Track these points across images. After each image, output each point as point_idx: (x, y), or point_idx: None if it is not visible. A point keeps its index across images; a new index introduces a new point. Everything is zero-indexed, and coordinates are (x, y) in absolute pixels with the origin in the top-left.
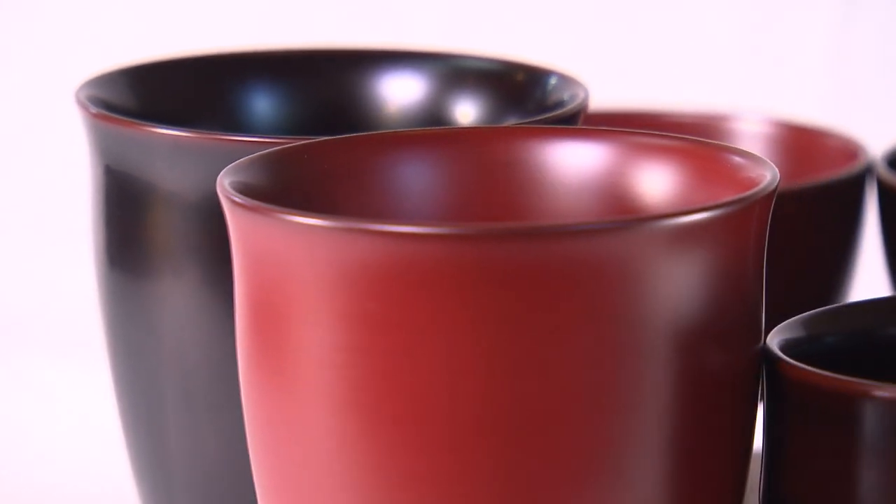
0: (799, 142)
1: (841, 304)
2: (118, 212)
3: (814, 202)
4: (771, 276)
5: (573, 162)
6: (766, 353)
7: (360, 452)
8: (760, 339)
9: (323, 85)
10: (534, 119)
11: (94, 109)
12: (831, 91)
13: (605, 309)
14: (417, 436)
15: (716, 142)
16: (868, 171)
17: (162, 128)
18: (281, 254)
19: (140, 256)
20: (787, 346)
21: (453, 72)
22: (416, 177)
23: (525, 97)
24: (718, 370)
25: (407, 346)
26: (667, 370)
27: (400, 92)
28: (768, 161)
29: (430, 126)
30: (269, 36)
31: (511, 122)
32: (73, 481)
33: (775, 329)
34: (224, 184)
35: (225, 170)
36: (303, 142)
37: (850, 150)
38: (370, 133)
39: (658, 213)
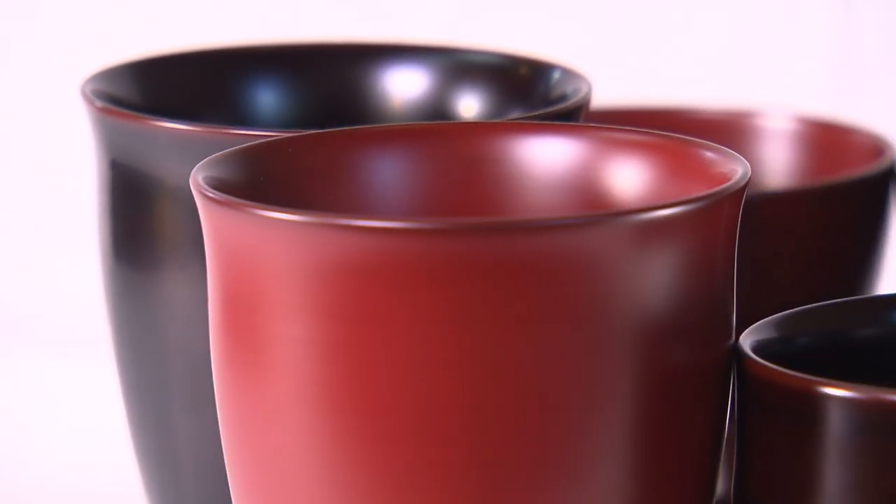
0: (825, 139)
1: (814, 304)
2: (124, 206)
3: (840, 199)
4: (797, 274)
5: (547, 157)
6: (736, 350)
7: (335, 447)
8: (731, 336)
9: (327, 79)
10: (537, 113)
11: (99, 104)
12: (838, 87)
13: (576, 303)
14: (393, 430)
15: (688, 137)
16: (894, 167)
17: (168, 122)
18: (254, 249)
19: (146, 250)
20: (760, 346)
21: (457, 66)
22: (390, 172)
23: (528, 91)
24: (687, 366)
25: (382, 341)
26: (637, 364)
27: (404, 86)
28: (740, 156)
29: (434, 120)
30: (274, 30)
31: (515, 115)
32: (79, 479)
33: (749, 329)
34: (197, 179)
35: (198, 165)
36: (277, 137)
37: (876, 146)
38: (345, 128)
39: (626, 209)
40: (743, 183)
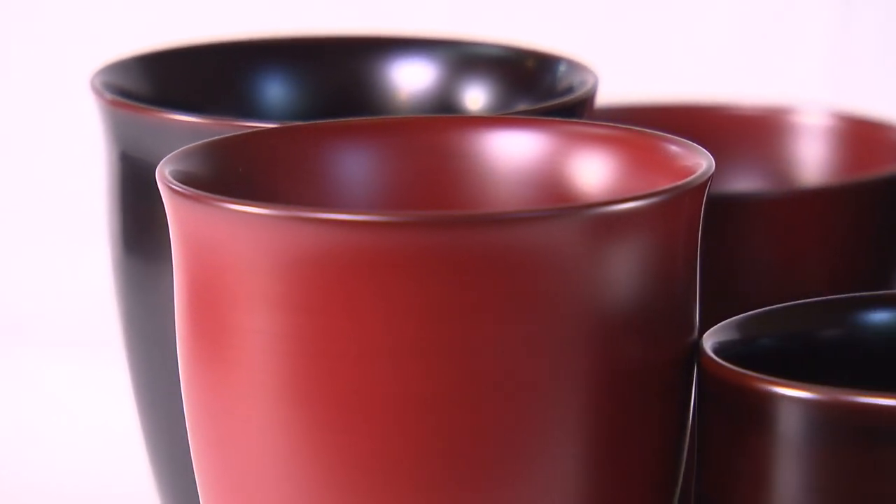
0: (860, 135)
1: (778, 305)
2: (133, 198)
3: (875, 195)
4: (831, 271)
5: (513, 151)
6: (696, 349)
7: (300, 438)
8: (692, 332)
9: (335, 71)
10: (543, 105)
11: (109, 96)
12: (838, 85)
13: (538, 296)
14: (358, 422)
15: (652, 130)
16: None
17: (177, 114)
18: (221, 242)
19: (155, 243)
20: (722, 347)
21: (463, 58)
22: (357, 166)
23: (535, 83)
24: (647, 362)
25: (346, 333)
26: (598, 358)
27: (410, 78)
28: (704, 150)
29: (442, 112)
30: (282, 23)
31: (520, 107)
32: (81, 479)
33: (712, 329)
34: (164, 172)
35: (165, 159)
36: (244, 131)
37: None
38: (310, 122)
39: (586, 202)
40: (705, 178)
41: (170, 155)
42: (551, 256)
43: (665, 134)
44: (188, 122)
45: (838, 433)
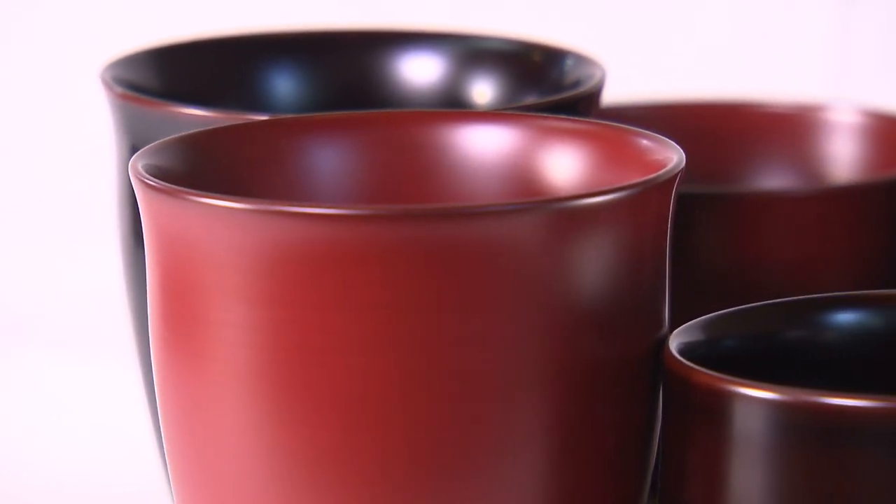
0: (891, 132)
1: (743, 306)
2: None
3: None
4: (862, 268)
5: (485, 145)
6: (662, 348)
7: (273, 431)
8: (660, 329)
9: (343, 65)
10: (550, 99)
11: (119, 90)
12: (838, 83)
13: (506, 289)
14: (330, 414)
15: (623, 125)
16: None
17: (187, 107)
18: (194, 236)
19: None
20: (689, 347)
21: (471, 52)
22: (329, 160)
23: (542, 77)
24: (613, 358)
25: (318, 325)
26: (564, 352)
27: (418, 71)
28: (675, 145)
29: (450, 107)
30: (290, 17)
31: (528, 101)
32: (82, 479)
33: (679, 328)
34: (137, 167)
35: (138, 153)
36: (217, 126)
37: None
38: (283, 117)
39: (552, 196)
40: (673, 173)
41: (143, 149)
42: (518, 250)
43: (636, 128)
44: (197, 115)
45: (801, 433)
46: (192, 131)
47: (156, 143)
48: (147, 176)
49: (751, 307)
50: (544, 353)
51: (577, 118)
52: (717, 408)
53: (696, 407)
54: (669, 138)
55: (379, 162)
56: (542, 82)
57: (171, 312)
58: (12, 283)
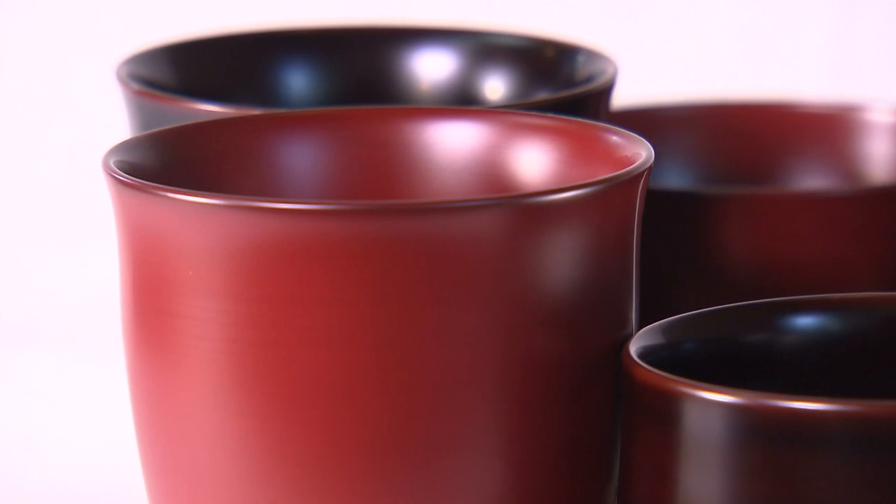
0: None
1: (703, 310)
2: None
3: None
4: None
5: (455, 141)
6: (621, 350)
7: (247, 425)
8: (625, 327)
9: (356, 61)
10: (563, 94)
11: (134, 86)
12: (839, 80)
13: (469, 285)
14: (299, 408)
15: (592, 121)
16: None
17: (202, 103)
18: (166, 232)
19: None
20: (647, 350)
21: (484, 48)
22: (299, 156)
23: (554, 73)
24: (574, 354)
25: (284, 320)
26: (526, 346)
27: (431, 68)
28: (645, 141)
29: (461, 103)
30: (304, 13)
31: (541, 96)
32: (83, 479)
33: (641, 331)
34: (108, 163)
35: (109, 150)
36: (188, 123)
37: None
38: (254, 114)
39: (512, 193)
40: (641, 169)
41: (114, 145)
42: (480, 246)
43: (606, 124)
44: (212, 111)
45: (759, 437)
46: (163, 128)
47: (127, 139)
48: (119, 172)
49: (712, 310)
50: (504, 348)
51: (546, 114)
52: (669, 410)
53: (649, 408)
54: (710, 139)
55: (349, 158)
56: (555, 78)
57: (142, 307)
58: (12, 283)
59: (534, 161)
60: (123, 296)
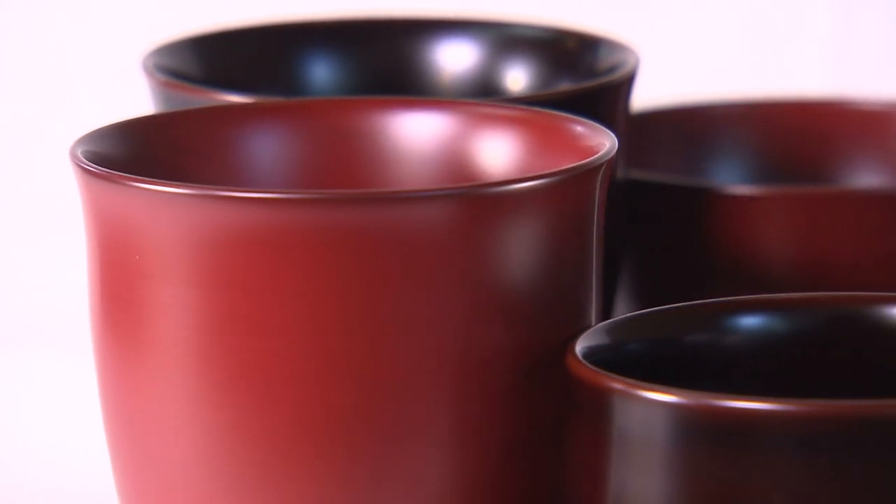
0: None
1: (647, 310)
2: None
3: None
4: None
5: (419, 132)
6: (566, 349)
7: (215, 413)
8: (581, 322)
9: (380, 52)
10: (584, 85)
11: (161, 77)
12: (841, 77)
13: (429, 274)
14: (265, 395)
15: (557, 112)
16: None
17: (228, 94)
18: (133, 221)
19: None
20: (593, 350)
21: (505, 39)
22: (266, 147)
23: (576, 64)
24: (523, 347)
25: (252, 308)
26: (473, 338)
27: (453, 59)
28: (608, 131)
29: (483, 94)
30: (328, 4)
31: (562, 87)
32: (90, 478)
33: (585, 332)
34: (76, 153)
35: (77, 140)
36: (155, 113)
37: None
38: (220, 104)
39: (468, 183)
40: (602, 160)
41: (81, 136)
42: (437, 235)
43: (570, 115)
44: (238, 102)
45: (701, 437)
46: (131, 118)
47: (95, 129)
48: (86, 162)
49: (657, 310)
50: (460, 337)
51: (510, 105)
52: (607, 408)
53: (588, 407)
54: (764, 136)
55: (316, 149)
56: (576, 69)
57: (110, 296)
58: (12, 283)
59: (498, 151)
60: (91, 286)
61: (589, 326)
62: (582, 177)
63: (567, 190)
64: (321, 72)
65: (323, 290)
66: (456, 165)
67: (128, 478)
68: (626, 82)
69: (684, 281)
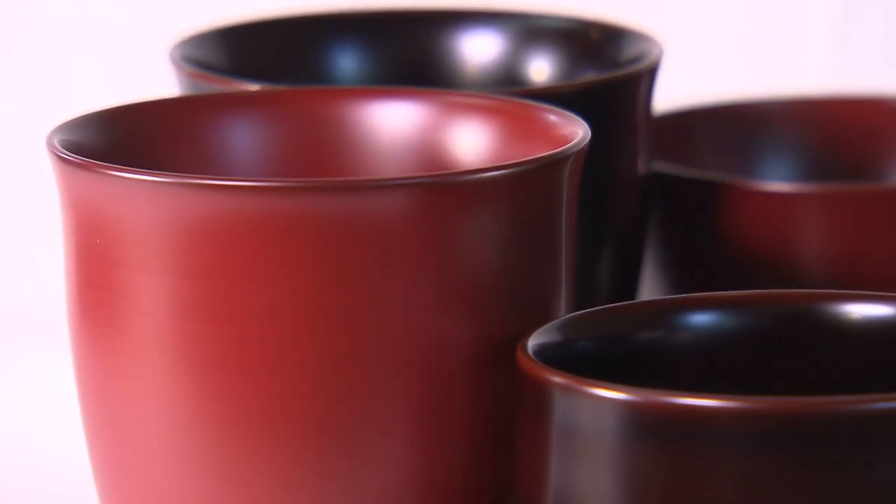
0: None
1: (599, 307)
2: None
3: None
4: None
5: (393, 120)
6: (517, 345)
7: (195, 400)
8: (546, 314)
9: (405, 44)
10: (608, 75)
11: (188, 68)
12: (842, 76)
13: (396, 261)
14: (243, 382)
15: (530, 101)
16: None
17: (255, 84)
18: (110, 210)
19: None
20: (544, 348)
21: (530, 30)
22: (242, 137)
23: (600, 54)
24: (483, 337)
25: (229, 295)
26: (434, 328)
27: (478, 50)
28: (581, 121)
29: (507, 85)
30: None
31: (586, 78)
32: (82, 478)
33: (538, 329)
34: (52, 141)
35: (53, 129)
36: (132, 102)
37: None
38: (196, 94)
39: (433, 172)
40: (568, 152)
41: (58, 125)
42: (408, 224)
43: (544, 105)
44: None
45: (645, 433)
46: (107, 107)
47: (71, 118)
48: (63, 151)
49: (610, 307)
50: (427, 327)
51: (484, 94)
52: (553, 404)
53: (535, 403)
54: (815, 133)
55: (291, 138)
56: (600, 59)
57: (88, 285)
58: (13, 283)
59: (472, 140)
60: (68, 276)
61: (556, 317)
62: (549, 167)
63: (534, 180)
64: (346, 63)
65: (300, 277)
66: (430, 154)
67: (106, 467)
68: (649, 73)
69: (714, 278)
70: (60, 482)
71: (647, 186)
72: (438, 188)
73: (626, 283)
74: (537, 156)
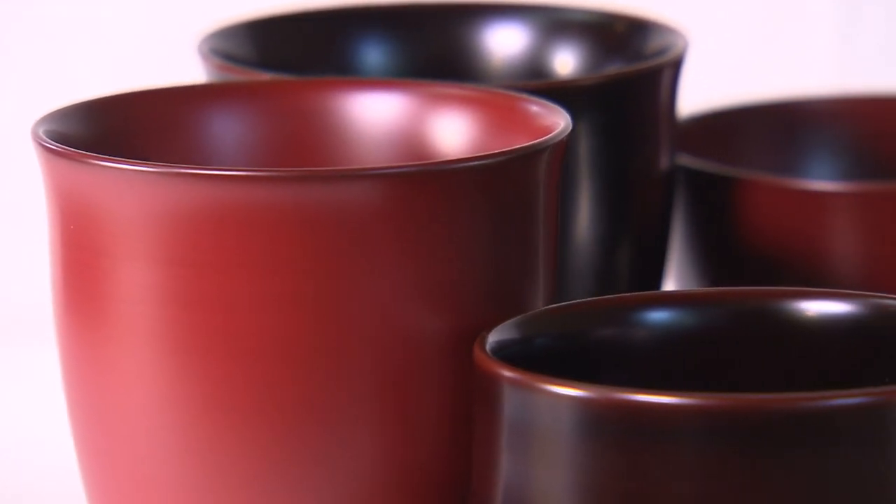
0: None
1: (556, 305)
2: None
3: None
4: None
5: (376, 111)
6: (476, 342)
7: (177, 388)
8: (520, 307)
9: (431, 37)
10: (633, 68)
11: (216, 61)
12: (844, 76)
13: (374, 253)
14: (231, 370)
15: (512, 92)
16: None
17: (283, 77)
18: (95, 199)
19: None
20: (502, 345)
21: (555, 23)
22: (226, 127)
23: (625, 47)
24: (454, 328)
25: (214, 284)
26: (403, 318)
27: (503, 43)
28: (563, 111)
29: (533, 77)
30: None
31: (611, 70)
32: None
33: (498, 326)
34: (38, 132)
35: (38, 119)
36: (117, 93)
37: None
38: (181, 85)
39: (411, 163)
40: (546, 144)
41: (43, 115)
42: (387, 213)
43: (526, 95)
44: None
45: (600, 430)
46: (92, 98)
47: (56, 109)
48: (49, 141)
49: (570, 304)
50: (395, 318)
51: (466, 85)
52: (505, 399)
53: (489, 400)
54: (857, 132)
55: (275, 128)
56: (625, 52)
57: (73, 277)
58: (12, 283)
59: (453, 131)
60: (53, 267)
61: (532, 309)
62: (527, 157)
63: (511, 171)
64: (373, 56)
65: (285, 266)
66: (413, 145)
67: (91, 455)
68: (674, 65)
69: (742, 276)
70: (60, 482)
71: (672, 179)
72: (415, 178)
73: (648, 277)
74: (514, 147)
